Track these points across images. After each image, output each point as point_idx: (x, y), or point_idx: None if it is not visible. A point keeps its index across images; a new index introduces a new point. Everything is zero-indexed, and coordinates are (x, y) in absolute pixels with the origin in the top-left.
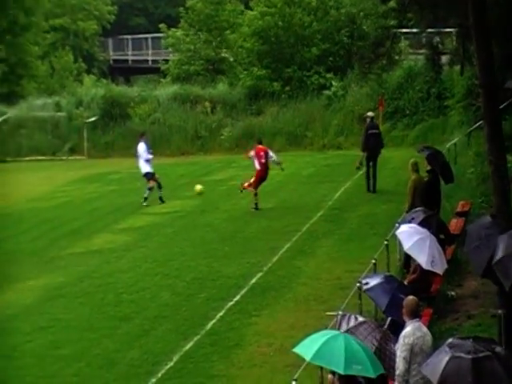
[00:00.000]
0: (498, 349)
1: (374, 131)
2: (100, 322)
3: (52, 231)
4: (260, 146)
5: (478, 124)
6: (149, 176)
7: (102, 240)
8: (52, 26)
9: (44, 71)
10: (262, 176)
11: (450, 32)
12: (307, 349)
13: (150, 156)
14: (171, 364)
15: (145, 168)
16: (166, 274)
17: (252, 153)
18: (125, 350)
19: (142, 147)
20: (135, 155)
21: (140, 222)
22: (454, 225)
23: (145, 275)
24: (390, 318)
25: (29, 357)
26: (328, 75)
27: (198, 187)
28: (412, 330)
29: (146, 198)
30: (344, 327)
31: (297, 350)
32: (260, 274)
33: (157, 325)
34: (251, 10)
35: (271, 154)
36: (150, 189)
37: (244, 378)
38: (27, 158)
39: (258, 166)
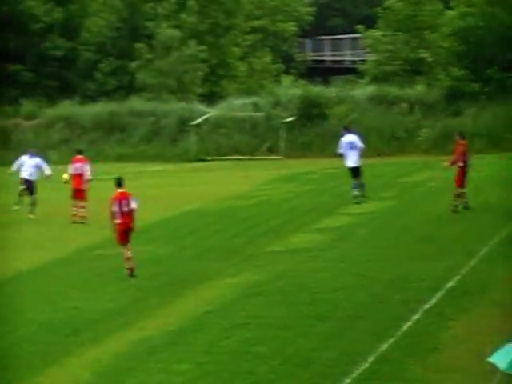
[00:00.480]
0: None
1: None
2: (295, 320)
3: (250, 229)
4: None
5: None
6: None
7: (298, 239)
8: (252, 27)
9: (243, 72)
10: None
11: None
12: (502, 357)
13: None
14: (366, 365)
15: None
16: (362, 275)
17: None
18: (320, 350)
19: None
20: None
21: (336, 222)
22: None
23: (340, 275)
24: None
25: (225, 353)
26: None
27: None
28: None
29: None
30: None
31: (492, 359)
32: (457, 278)
33: (352, 325)
34: (451, 9)
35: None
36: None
37: (440, 383)
38: (226, 157)
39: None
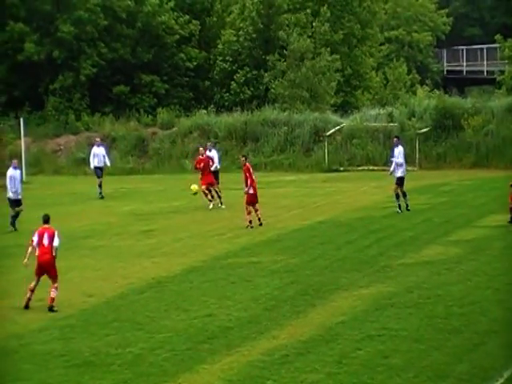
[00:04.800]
0: None
1: None
2: (429, 333)
3: (382, 240)
4: None
5: None
6: None
7: (432, 251)
8: (387, 37)
9: (378, 82)
10: None
11: None
12: None
13: None
14: (502, 380)
15: None
16: (497, 289)
17: None
18: (454, 363)
19: None
20: None
21: (471, 234)
22: None
23: (475, 289)
24: None
25: (358, 364)
26: None
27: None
28: None
29: None
30: None
31: None
32: None
33: (487, 339)
34: None
35: None
36: None
37: None
38: (359, 168)
39: None
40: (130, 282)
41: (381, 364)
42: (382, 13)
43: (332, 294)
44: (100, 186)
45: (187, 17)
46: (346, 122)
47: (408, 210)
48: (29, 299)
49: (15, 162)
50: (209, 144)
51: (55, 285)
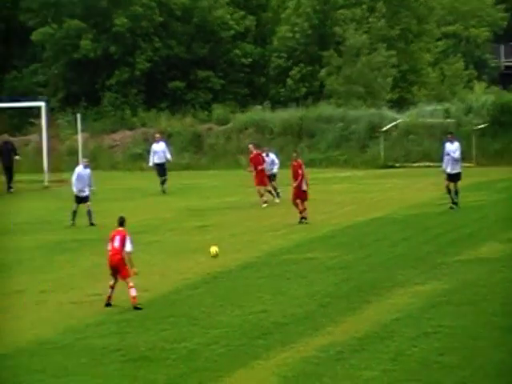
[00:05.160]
0: None
1: None
2: (485, 330)
3: (438, 237)
4: None
5: None
6: None
7: (489, 248)
8: (444, 32)
9: (435, 78)
10: None
11: None
12: None
13: None
14: None
15: None
16: None
17: None
18: (511, 361)
19: None
20: None
21: None
22: None
23: None
24: None
25: (413, 362)
26: None
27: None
28: None
29: None
30: None
31: None
32: None
33: None
34: None
35: None
36: None
37: None
38: (415, 164)
39: None
40: (185, 278)
41: (436, 361)
42: (439, 8)
43: (387, 291)
44: (162, 183)
45: (242, 12)
46: (402, 118)
47: (453, 208)
48: (109, 297)
49: (85, 160)
50: (266, 148)
51: (130, 284)
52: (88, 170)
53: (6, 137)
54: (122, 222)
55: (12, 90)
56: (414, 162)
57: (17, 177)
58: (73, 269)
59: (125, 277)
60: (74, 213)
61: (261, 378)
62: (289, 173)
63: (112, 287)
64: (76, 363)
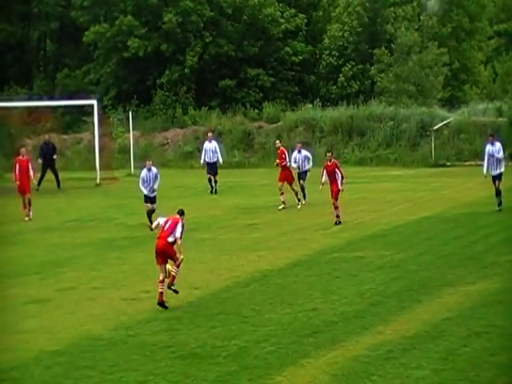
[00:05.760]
0: None
1: None
2: None
3: (489, 237)
4: None
5: None
6: None
7: None
8: (496, 31)
9: (486, 76)
10: None
11: None
12: None
13: None
14: None
15: None
16: None
17: None
18: None
19: None
20: None
21: None
22: None
23: None
24: None
25: (464, 361)
26: None
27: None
28: None
29: None
30: None
31: None
32: None
33: None
34: None
35: None
36: None
37: None
38: (467, 163)
39: None
40: (235, 275)
41: (487, 361)
42: (491, 5)
43: (438, 290)
44: (209, 180)
45: (293, 11)
46: (453, 117)
47: (499, 209)
48: (161, 293)
49: (149, 163)
50: (298, 145)
51: (177, 263)
52: (152, 172)
53: (46, 137)
54: (182, 213)
55: (64, 88)
56: (465, 161)
57: (69, 174)
58: (124, 266)
59: (174, 258)
60: (149, 213)
61: (310, 376)
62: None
63: (162, 281)
64: (127, 360)
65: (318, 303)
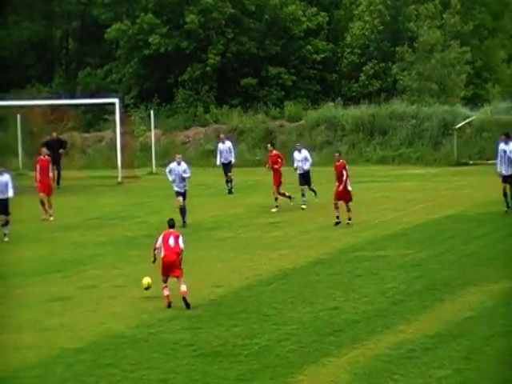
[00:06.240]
0: None
1: None
2: None
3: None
4: None
5: None
6: None
7: None
8: None
9: (509, 75)
10: None
11: None
12: None
13: None
14: None
15: None
16: None
17: None
18: None
19: None
20: None
21: None
22: None
23: None
24: None
25: (486, 361)
26: None
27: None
28: None
29: None
30: None
31: None
32: None
33: None
34: None
35: None
36: None
37: None
38: (490, 162)
39: None
40: (256, 274)
41: (510, 361)
42: None
43: (460, 289)
44: (227, 181)
45: (315, 9)
46: (475, 115)
47: (507, 211)
48: (167, 297)
49: (179, 156)
50: (298, 145)
51: (182, 279)
52: (182, 166)
53: (54, 135)
54: (172, 225)
55: (85, 87)
56: (487, 160)
57: (90, 173)
58: (145, 264)
59: (179, 276)
60: (181, 209)
61: (332, 375)
62: (360, 169)
63: (166, 287)
64: (148, 358)
65: (340, 302)
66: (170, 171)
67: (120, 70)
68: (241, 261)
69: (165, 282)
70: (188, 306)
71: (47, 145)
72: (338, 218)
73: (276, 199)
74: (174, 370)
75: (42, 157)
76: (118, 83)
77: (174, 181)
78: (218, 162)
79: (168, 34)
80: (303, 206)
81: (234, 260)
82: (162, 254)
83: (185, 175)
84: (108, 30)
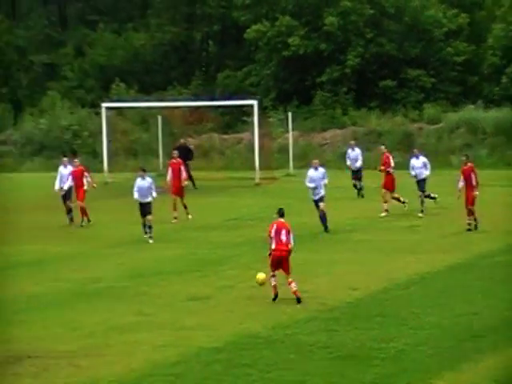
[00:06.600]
0: None
1: None
2: None
3: None
4: None
5: None
6: None
7: None
8: None
9: None
10: None
11: None
12: None
13: None
14: None
15: None
16: None
17: None
18: None
19: None
20: None
21: None
22: None
23: None
24: None
25: None
26: None
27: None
28: None
29: None
30: None
31: None
32: None
33: None
34: None
35: None
36: None
37: None
38: None
39: None
40: (393, 277)
41: None
42: None
43: None
44: (354, 186)
45: (456, 10)
46: None
47: None
48: (275, 288)
49: (315, 162)
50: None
51: (290, 279)
52: (320, 171)
53: (182, 141)
54: (282, 214)
55: (224, 89)
56: None
57: (229, 174)
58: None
59: (287, 270)
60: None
61: (470, 382)
62: (502, 173)
63: (274, 276)
64: (285, 359)
65: (479, 307)
66: (310, 180)
67: (259, 72)
68: (377, 264)
69: (273, 275)
70: (299, 300)
71: (178, 150)
72: (469, 224)
73: (385, 202)
74: (310, 371)
75: (173, 160)
76: (256, 85)
77: (315, 188)
78: (348, 166)
79: (307, 35)
80: (419, 215)
81: (370, 263)
82: (273, 247)
83: (322, 182)
84: (247, 30)
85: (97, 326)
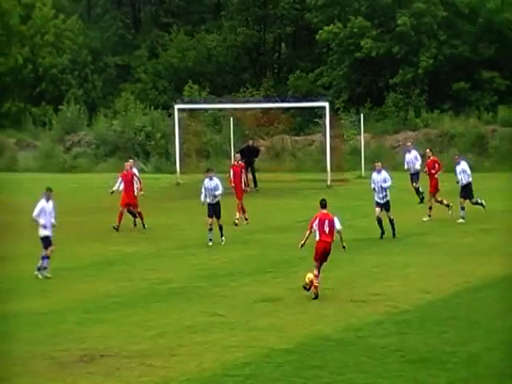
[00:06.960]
0: None
1: None
2: None
3: None
4: None
5: None
6: None
7: None
8: None
9: None
10: None
11: None
12: None
13: None
14: None
15: None
16: None
17: None
18: None
19: None
20: None
21: None
22: None
23: None
24: None
25: None
26: None
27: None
28: None
29: None
30: None
31: None
32: None
33: None
34: None
35: None
36: None
37: None
38: None
39: None
40: (466, 281)
41: None
42: None
43: None
44: (416, 192)
45: None
46: None
47: None
48: (316, 287)
49: (378, 165)
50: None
51: (316, 273)
52: (382, 175)
53: (250, 142)
54: (325, 205)
55: (295, 90)
56: None
57: (300, 176)
58: (353, 267)
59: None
60: (378, 220)
61: None
62: None
63: (318, 275)
64: (356, 361)
65: None
66: (372, 182)
67: (330, 74)
68: (450, 267)
69: (318, 268)
70: (307, 289)
71: (242, 152)
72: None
73: (430, 208)
74: (381, 374)
75: (235, 163)
76: (327, 87)
77: (378, 191)
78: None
79: (379, 37)
80: (460, 221)
81: (443, 266)
82: (318, 238)
83: (384, 185)
84: (320, 31)
85: (169, 325)
